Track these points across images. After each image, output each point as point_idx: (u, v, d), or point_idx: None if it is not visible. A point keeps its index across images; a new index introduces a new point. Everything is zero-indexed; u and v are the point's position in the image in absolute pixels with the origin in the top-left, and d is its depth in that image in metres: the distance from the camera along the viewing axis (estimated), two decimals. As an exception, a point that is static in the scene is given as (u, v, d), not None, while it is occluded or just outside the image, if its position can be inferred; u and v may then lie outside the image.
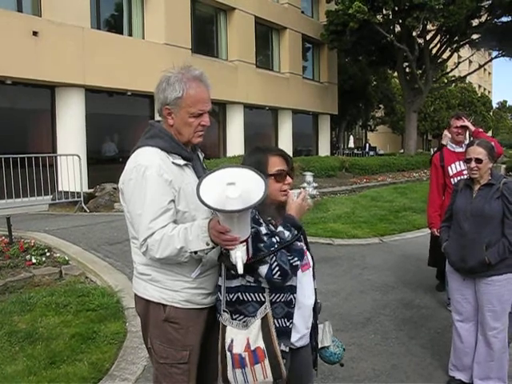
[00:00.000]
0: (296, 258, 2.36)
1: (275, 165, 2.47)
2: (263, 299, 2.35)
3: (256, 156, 2.51)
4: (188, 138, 2.48)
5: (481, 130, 5.45)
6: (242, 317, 2.36)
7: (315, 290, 2.64)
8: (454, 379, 4.09)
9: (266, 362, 2.27)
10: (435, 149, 8.43)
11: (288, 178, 2.49)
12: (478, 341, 3.96)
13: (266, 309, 2.33)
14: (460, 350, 4.05)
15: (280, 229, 2.39)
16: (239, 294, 2.37)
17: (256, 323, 2.31)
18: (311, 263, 2.61)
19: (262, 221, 2.40)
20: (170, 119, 2.45)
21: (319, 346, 2.75)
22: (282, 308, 2.37)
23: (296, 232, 2.39)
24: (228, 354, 2.32)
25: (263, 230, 2.35)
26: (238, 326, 2.33)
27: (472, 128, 5.39)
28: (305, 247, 2.58)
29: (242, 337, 2.31)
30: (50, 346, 4.51)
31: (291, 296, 2.40)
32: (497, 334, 3.83)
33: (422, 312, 5.71)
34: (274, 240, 2.33)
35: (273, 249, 2.30)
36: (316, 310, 2.66)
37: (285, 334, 2.38)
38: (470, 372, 4.00)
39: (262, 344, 2.28)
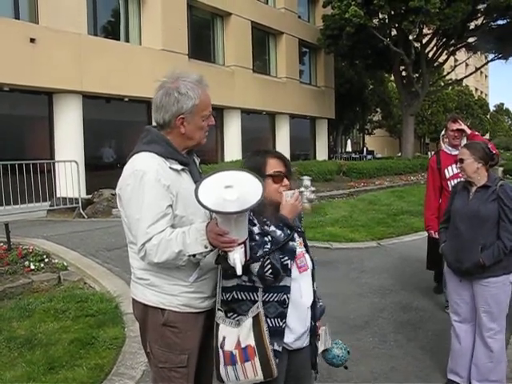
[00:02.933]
0: (286, 258, 2.40)
1: (273, 166, 2.53)
2: (257, 298, 2.39)
3: (255, 158, 2.58)
4: (198, 141, 2.52)
5: (477, 133, 5.47)
6: (235, 315, 2.41)
7: (314, 292, 2.66)
8: (452, 382, 4.09)
9: (256, 359, 2.31)
10: (433, 152, 8.45)
11: (285, 180, 2.55)
12: (475, 342, 3.96)
13: (257, 308, 2.37)
14: (458, 351, 4.06)
15: (272, 228, 2.43)
16: (234, 292, 2.43)
17: (247, 322, 2.35)
18: (310, 265, 2.62)
19: (255, 221, 2.44)
20: (183, 128, 2.45)
21: (321, 348, 2.77)
22: (275, 308, 2.40)
23: (289, 232, 2.43)
24: (220, 351, 2.38)
25: (256, 229, 2.40)
26: (231, 324, 2.38)
27: (468, 131, 5.39)
28: (304, 250, 2.62)
29: (233, 335, 2.36)
30: (48, 352, 4.52)
31: (284, 296, 2.42)
32: (493, 335, 3.83)
33: (420, 314, 5.72)
34: (265, 239, 2.37)
35: (267, 247, 2.34)
36: (316, 312, 2.67)
37: (278, 333, 2.40)
38: (467, 375, 4.00)
39: (252, 342, 2.32)
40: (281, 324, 2.42)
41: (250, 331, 2.34)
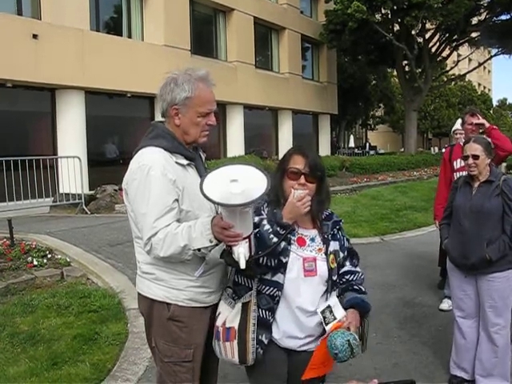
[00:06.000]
0: (261, 253, 2.30)
1: (293, 163, 2.48)
2: (251, 286, 2.45)
3: (287, 151, 2.60)
4: (194, 138, 2.50)
5: (495, 127, 5.25)
6: (237, 297, 2.48)
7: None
8: (455, 377, 4.08)
9: (235, 343, 2.39)
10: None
11: (302, 178, 2.44)
12: (480, 337, 3.94)
13: (250, 296, 2.41)
14: (462, 346, 4.04)
15: (264, 222, 2.39)
16: (236, 275, 2.54)
17: (238, 306, 2.42)
18: (323, 274, 2.49)
19: (263, 212, 2.44)
20: (177, 119, 2.46)
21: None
22: (267, 301, 2.44)
23: (278, 229, 2.33)
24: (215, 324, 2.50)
25: (256, 219, 2.40)
26: (231, 304, 2.46)
27: (487, 125, 5.15)
28: (319, 256, 2.49)
29: (225, 313, 2.46)
30: (51, 348, 4.53)
31: (276, 292, 2.43)
32: (499, 330, 3.81)
33: (423, 310, 5.72)
34: (254, 231, 2.32)
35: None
36: (326, 322, 2.50)
37: (265, 326, 2.45)
38: (472, 369, 3.99)
39: (236, 326, 2.40)
40: (269, 318, 2.45)
41: (236, 315, 2.41)
